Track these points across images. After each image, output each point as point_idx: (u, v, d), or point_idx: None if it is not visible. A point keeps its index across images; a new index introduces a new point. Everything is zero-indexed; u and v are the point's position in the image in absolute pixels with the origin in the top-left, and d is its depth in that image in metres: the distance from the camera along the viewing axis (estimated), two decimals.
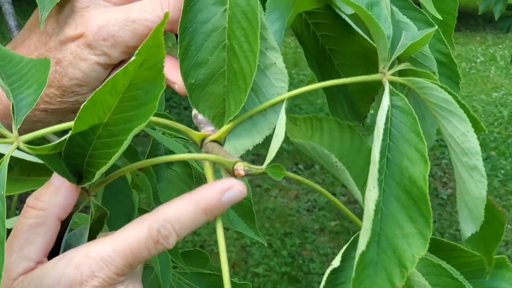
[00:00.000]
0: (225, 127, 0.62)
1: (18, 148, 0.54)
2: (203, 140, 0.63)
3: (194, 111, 0.64)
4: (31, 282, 0.54)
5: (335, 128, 0.71)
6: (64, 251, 0.58)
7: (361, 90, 0.69)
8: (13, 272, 0.55)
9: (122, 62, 0.66)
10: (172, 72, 0.64)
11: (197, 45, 0.61)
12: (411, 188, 0.58)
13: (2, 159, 0.52)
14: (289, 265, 3.62)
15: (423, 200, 0.57)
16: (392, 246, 0.58)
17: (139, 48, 0.51)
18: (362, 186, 0.64)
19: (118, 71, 0.52)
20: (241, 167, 0.59)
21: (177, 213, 0.55)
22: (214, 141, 0.63)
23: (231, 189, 0.57)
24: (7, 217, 0.52)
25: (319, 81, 0.69)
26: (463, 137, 0.59)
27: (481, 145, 0.59)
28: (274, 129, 0.62)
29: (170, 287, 0.94)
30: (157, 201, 0.92)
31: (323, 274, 0.59)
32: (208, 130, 0.64)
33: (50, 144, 0.54)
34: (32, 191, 0.58)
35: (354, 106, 0.70)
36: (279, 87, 0.62)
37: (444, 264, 0.64)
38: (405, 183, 0.58)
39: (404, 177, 0.58)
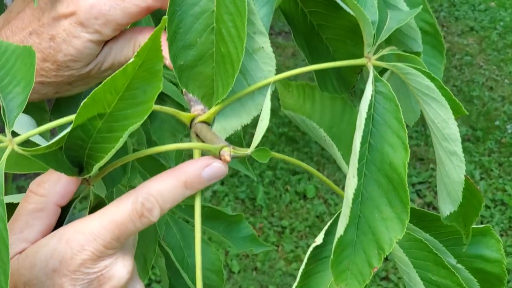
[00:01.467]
0: (214, 109, 0.64)
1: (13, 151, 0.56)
2: (192, 120, 0.65)
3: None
4: (26, 259, 0.58)
5: (327, 97, 0.73)
6: None
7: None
8: (11, 252, 0.58)
9: (115, 37, 0.68)
10: (163, 47, 0.66)
11: (185, 28, 0.62)
12: (391, 174, 0.60)
13: None
14: (287, 126, 3.66)
15: (401, 186, 0.60)
16: (372, 229, 0.61)
17: (138, 50, 0.53)
18: None
19: (117, 71, 0.54)
20: (227, 153, 0.61)
21: (159, 187, 0.59)
22: (203, 121, 0.65)
23: (210, 165, 0.60)
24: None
25: (308, 59, 0.70)
26: (444, 123, 0.61)
27: None
28: (261, 110, 0.64)
29: (165, 221, 0.98)
30: (150, 142, 0.94)
31: None
32: (198, 109, 0.66)
33: (45, 145, 0.56)
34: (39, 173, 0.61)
35: (343, 77, 0.71)
36: (266, 71, 0.64)
37: (425, 238, 0.68)
38: (385, 169, 0.60)
39: (385, 162, 0.60)
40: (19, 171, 0.62)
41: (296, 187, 3.29)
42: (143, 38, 0.68)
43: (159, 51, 0.54)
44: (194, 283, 0.96)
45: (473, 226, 0.69)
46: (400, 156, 0.60)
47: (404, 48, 0.71)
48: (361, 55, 0.67)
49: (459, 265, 0.71)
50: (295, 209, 3.19)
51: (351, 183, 0.59)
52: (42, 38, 0.67)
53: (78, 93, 0.74)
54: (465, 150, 3.71)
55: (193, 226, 0.98)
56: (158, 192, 0.58)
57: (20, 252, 0.59)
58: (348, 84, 0.72)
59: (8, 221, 0.60)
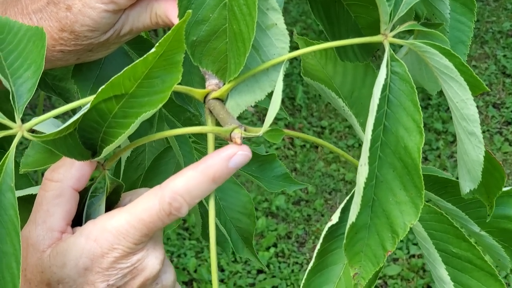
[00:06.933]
0: (227, 86, 0.63)
1: (22, 137, 0.56)
2: (206, 96, 0.64)
3: None
4: (56, 256, 0.59)
5: None
6: (85, 221, 0.62)
7: (372, 26, 0.68)
8: (41, 244, 0.59)
9: (131, 5, 0.66)
10: (174, 21, 0.65)
11: (197, 3, 0.61)
12: (406, 158, 0.59)
13: (8, 152, 0.55)
14: None
15: (415, 172, 0.59)
16: (385, 212, 0.60)
17: (160, 40, 0.52)
18: None
19: (138, 60, 0.53)
20: (238, 135, 0.60)
21: (186, 185, 0.58)
22: (217, 98, 0.64)
23: (236, 154, 0.59)
24: None
25: (326, 30, 0.68)
26: (463, 103, 0.59)
27: None
28: (275, 86, 0.63)
29: None
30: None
31: None
32: (212, 84, 0.64)
33: (55, 131, 0.56)
34: None
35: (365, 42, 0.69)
36: (280, 48, 0.62)
37: (447, 208, 0.67)
38: (400, 152, 0.59)
39: (399, 146, 0.59)
40: (34, 167, 0.62)
41: None
42: (158, 6, 0.66)
43: (181, 42, 0.54)
44: (225, 227, 0.97)
45: None
46: (415, 141, 0.59)
47: (430, 8, 0.68)
48: None
49: (483, 232, 0.71)
50: (335, 109, 3.17)
51: (363, 170, 0.58)
52: (59, 7, 0.66)
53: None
54: (509, 45, 3.62)
55: None
56: (186, 190, 0.58)
57: (51, 244, 0.59)
58: (371, 48, 0.70)
59: (30, 213, 0.61)
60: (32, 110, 2.64)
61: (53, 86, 0.89)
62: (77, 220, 0.62)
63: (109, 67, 0.79)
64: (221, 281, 2.63)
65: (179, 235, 2.77)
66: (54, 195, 0.60)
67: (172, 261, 2.69)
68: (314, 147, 3.04)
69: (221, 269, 2.66)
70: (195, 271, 2.65)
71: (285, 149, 3.01)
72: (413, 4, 0.62)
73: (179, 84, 0.93)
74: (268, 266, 2.69)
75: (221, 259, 2.65)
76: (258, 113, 3.07)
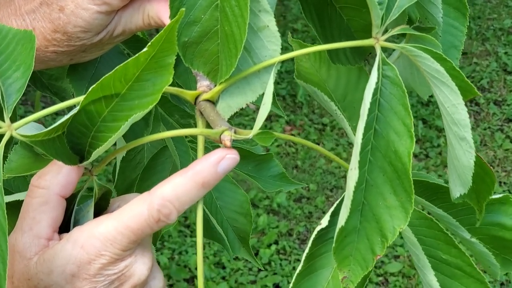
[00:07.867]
0: (218, 88, 0.63)
1: (11, 137, 0.56)
2: (197, 98, 0.64)
3: None
4: (43, 263, 0.58)
5: None
6: (73, 227, 0.62)
7: (365, 29, 0.68)
8: (28, 252, 0.59)
9: (124, 6, 0.66)
10: (165, 22, 0.65)
11: (189, 4, 0.61)
12: (396, 162, 0.59)
13: None
14: None
15: (405, 176, 0.59)
16: (375, 216, 0.60)
17: (152, 40, 0.52)
18: None
19: (130, 59, 0.53)
20: (227, 137, 0.60)
21: (175, 192, 0.58)
22: (208, 100, 0.63)
23: (224, 159, 0.59)
24: None
25: (318, 33, 0.67)
26: (454, 108, 0.59)
27: None
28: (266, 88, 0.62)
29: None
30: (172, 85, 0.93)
31: None
32: (203, 85, 0.64)
33: (44, 131, 0.56)
34: None
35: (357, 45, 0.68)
36: (271, 50, 0.62)
37: (437, 214, 0.67)
38: (390, 157, 0.59)
39: (390, 150, 0.59)
40: (17, 173, 0.62)
41: None
42: (150, 7, 0.66)
43: (173, 44, 0.54)
44: (222, 226, 0.97)
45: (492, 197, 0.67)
46: (405, 145, 0.58)
47: (423, 12, 0.68)
48: None
49: (473, 240, 0.70)
50: None
51: (352, 174, 0.58)
52: (52, 8, 0.66)
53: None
54: (510, 42, 3.61)
55: None
56: (175, 196, 0.58)
57: (38, 252, 0.59)
58: (364, 52, 0.69)
59: (17, 220, 0.61)
60: (33, 107, 2.64)
61: (49, 86, 0.89)
62: (65, 227, 0.62)
63: (105, 66, 0.79)
64: (223, 278, 2.63)
65: (181, 232, 2.77)
66: (40, 202, 0.60)
67: (173, 258, 2.69)
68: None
69: (222, 267, 2.66)
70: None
71: (286, 146, 3.00)
72: (406, 8, 0.61)
73: (176, 84, 0.94)
74: (269, 263, 2.69)
75: (222, 257, 2.66)
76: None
